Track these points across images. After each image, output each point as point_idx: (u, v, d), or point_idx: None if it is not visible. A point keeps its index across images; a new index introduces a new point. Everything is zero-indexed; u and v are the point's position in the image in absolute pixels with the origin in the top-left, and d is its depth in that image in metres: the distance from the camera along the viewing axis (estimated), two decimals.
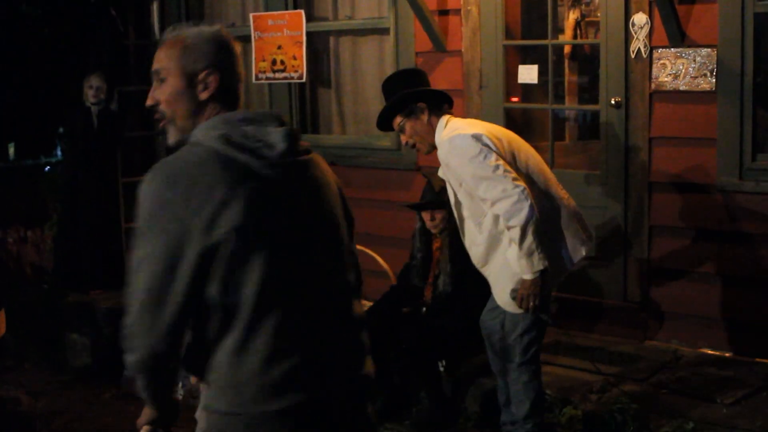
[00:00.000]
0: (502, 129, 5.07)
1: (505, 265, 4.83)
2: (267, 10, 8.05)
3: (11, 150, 14.86)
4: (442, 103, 4.99)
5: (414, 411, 5.86)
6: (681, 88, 6.06)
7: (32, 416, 6.78)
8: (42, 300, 8.38)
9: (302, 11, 7.72)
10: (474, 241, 4.95)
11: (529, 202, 4.59)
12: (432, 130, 4.91)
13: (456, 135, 4.75)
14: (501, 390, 5.26)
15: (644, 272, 6.35)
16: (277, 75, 7.77)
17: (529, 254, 4.62)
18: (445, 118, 4.93)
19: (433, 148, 4.95)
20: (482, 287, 5.51)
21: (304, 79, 7.77)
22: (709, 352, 6.15)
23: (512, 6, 6.95)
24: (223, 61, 2.87)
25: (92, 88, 8.18)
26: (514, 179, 4.63)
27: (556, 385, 5.66)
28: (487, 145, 4.69)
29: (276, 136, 2.78)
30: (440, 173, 5.00)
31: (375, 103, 7.80)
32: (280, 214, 2.75)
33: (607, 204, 6.40)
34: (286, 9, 7.86)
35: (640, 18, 6.14)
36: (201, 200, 2.63)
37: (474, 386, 5.89)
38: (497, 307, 5.08)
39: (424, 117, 4.90)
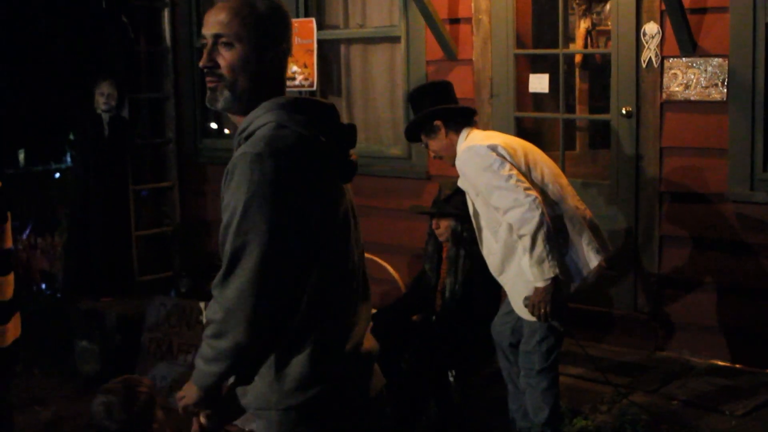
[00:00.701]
0: (519, 140, 5.15)
1: (520, 274, 4.89)
2: None
3: (21, 156, 14.91)
4: (460, 118, 5.12)
5: (423, 420, 5.85)
6: (692, 98, 6.04)
7: (41, 423, 6.77)
8: (51, 307, 8.38)
9: (313, 19, 7.73)
10: (490, 250, 5.04)
11: (540, 210, 4.67)
12: (451, 144, 5.07)
13: (471, 146, 4.90)
14: (513, 397, 5.30)
15: (654, 282, 6.33)
16: (288, 83, 7.77)
17: (540, 262, 4.70)
18: (466, 131, 5.08)
19: (454, 161, 5.06)
20: (490, 296, 5.55)
21: (314, 87, 7.77)
22: (720, 363, 6.12)
23: (523, 15, 6.94)
24: (286, 33, 2.90)
25: (103, 95, 8.19)
26: (526, 189, 4.72)
27: (567, 396, 5.64)
28: (501, 156, 4.80)
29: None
30: (459, 183, 5.11)
31: (386, 111, 7.81)
32: (342, 207, 2.84)
33: (618, 214, 6.38)
34: (297, 17, 7.86)
35: (651, 27, 6.13)
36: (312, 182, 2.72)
37: (484, 395, 5.87)
38: (510, 312, 5.18)
39: (442, 134, 5.08)
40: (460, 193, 5.82)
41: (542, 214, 4.67)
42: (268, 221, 2.63)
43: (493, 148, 4.82)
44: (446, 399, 5.80)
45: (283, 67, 2.91)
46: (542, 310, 4.77)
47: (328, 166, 2.80)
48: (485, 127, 6.89)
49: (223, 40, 2.85)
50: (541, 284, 4.74)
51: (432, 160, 7.22)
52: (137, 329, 7.52)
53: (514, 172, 4.76)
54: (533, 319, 4.89)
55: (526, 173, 4.85)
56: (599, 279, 6.31)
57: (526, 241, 4.69)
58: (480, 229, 5.08)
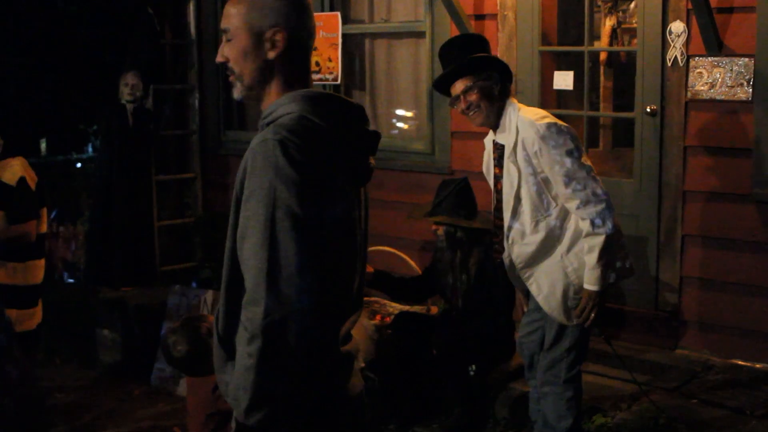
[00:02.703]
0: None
1: (553, 272, 4.71)
2: None
3: (43, 146, 15.00)
4: (509, 82, 4.81)
5: (443, 415, 5.87)
6: (717, 98, 6.03)
7: (61, 410, 6.82)
8: (73, 296, 8.43)
9: (338, 13, 7.74)
10: (523, 239, 4.75)
11: (613, 212, 4.49)
12: (497, 104, 4.72)
13: (553, 123, 4.58)
14: (534, 398, 5.21)
15: (676, 281, 6.33)
16: (312, 76, 7.78)
17: (606, 266, 4.52)
18: (513, 99, 4.77)
19: (488, 123, 4.79)
20: (508, 290, 5.50)
21: (338, 81, 7.79)
22: (741, 363, 6.11)
23: (549, 12, 6.94)
24: (291, 17, 2.83)
25: (128, 86, 8.23)
26: (602, 185, 4.53)
27: (587, 393, 5.62)
28: (579, 144, 4.58)
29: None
30: (507, 156, 4.72)
31: (409, 106, 7.83)
32: (354, 212, 2.83)
33: (641, 212, 6.38)
34: (323, 11, 7.88)
35: (677, 26, 6.11)
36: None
37: (504, 391, 5.89)
38: (533, 321, 5.05)
39: (496, 88, 4.71)
40: (457, 196, 5.84)
41: (613, 216, 4.49)
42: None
43: (574, 134, 4.56)
44: (466, 394, 5.82)
45: (299, 56, 2.88)
46: (591, 315, 4.60)
47: (346, 166, 2.78)
48: None
49: (227, 35, 2.86)
50: (596, 288, 4.55)
51: (455, 155, 7.25)
52: (158, 319, 7.56)
53: (591, 164, 4.53)
54: (567, 321, 4.73)
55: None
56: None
57: (598, 241, 4.47)
58: (516, 214, 4.74)
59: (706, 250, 6.22)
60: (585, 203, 4.49)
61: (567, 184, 4.50)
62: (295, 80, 2.86)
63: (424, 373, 5.94)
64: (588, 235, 4.51)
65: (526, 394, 5.46)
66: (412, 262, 7.03)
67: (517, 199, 4.71)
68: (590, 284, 4.57)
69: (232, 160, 8.91)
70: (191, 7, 9.00)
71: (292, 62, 2.85)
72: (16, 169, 5.73)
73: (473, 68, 4.72)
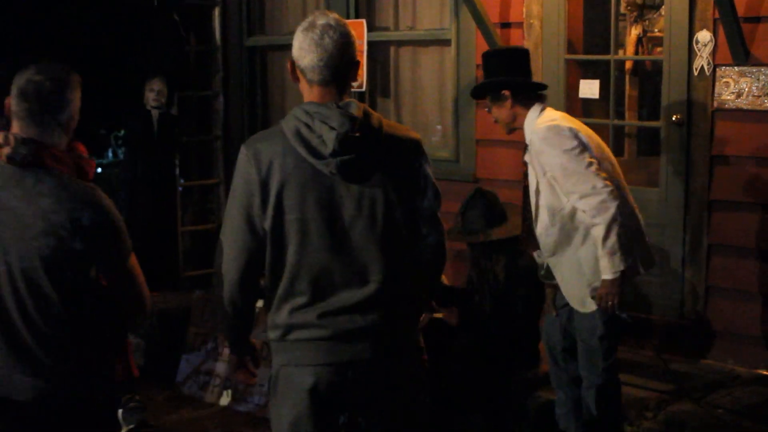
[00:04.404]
0: (591, 131, 5.09)
1: (575, 264, 4.92)
2: None
3: None
4: (530, 92, 5.08)
5: (465, 424, 5.87)
6: (744, 107, 6.02)
7: None
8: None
9: (364, 20, 7.76)
10: (546, 231, 5.00)
11: (616, 203, 4.69)
12: (513, 115, 5.01)
13: (554, 125, 4.86)
14: (560, 402, 5.28)
15: (702, 290, 6.32)
16: None
17: (612, 253, 4.69)
18: (538, 106, 5.00)
19: (512, 131, 5.13)
20: (530, 301, 5.58)
21: (363, 89, 7.81)
22: (766, 373, 6.09)
23: (575, 21, 6.94)
24: (295, 48, 3.46)
25: (153, 92, 8.28)
26: (605, 178, 4.74)
27: None
28: (582, 142, 4.81)
29: (330, 135, 3.30)
30: (526, 158, 5.06)
31: (434, 113, 7.84)
32: (318, 194, 3.35)
33: (667, 221, 6.37)
34: (348, 18, 7.90)
35: (704, 35, 6.11)
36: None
37: (528, 399, 5.88)
38: (557, 313, 5.18)
39: (508, 104, 5.00)
40: (472, 208, 5.96)
41: (618, 206, 4.68)
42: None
43: (575, 133, 4.82)
44: (490, 401, 5.82)
45: (302, 76, 3.52)
46: (610, 303, 4.75)
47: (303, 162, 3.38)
48: None
49: None
50: (609, 276, 4.72)
51: (480, 163, 7.26)
52: (182, 324, 7.58)
53: (594, 160, 4.77)
54: (588, 309, 4.90)
55: (598, 164, 4.84)
56: (645, 285, 6.35)
57: (600, 230, 4.69)
58: (538, 208, 5.04)
59: (732, 259, 6.21)
60: (585, 195, 4.72)
61: (566, 179, 4.77)
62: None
63: (445, 380, 5.93)
64: (592, 225, 4.76)
65: (552, 402, 5.46)
66: None
67: (537, 194, 5.03)
68: (604, 273, 4.76)
69: None
70: (216, 13, 9.03)
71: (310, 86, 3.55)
72: None
73: (485, 90, 5.15)
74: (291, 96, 8.85)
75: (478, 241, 5.95)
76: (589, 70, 7.03)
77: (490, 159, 7.25)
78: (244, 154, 3.42)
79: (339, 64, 3.42)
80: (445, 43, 7.54)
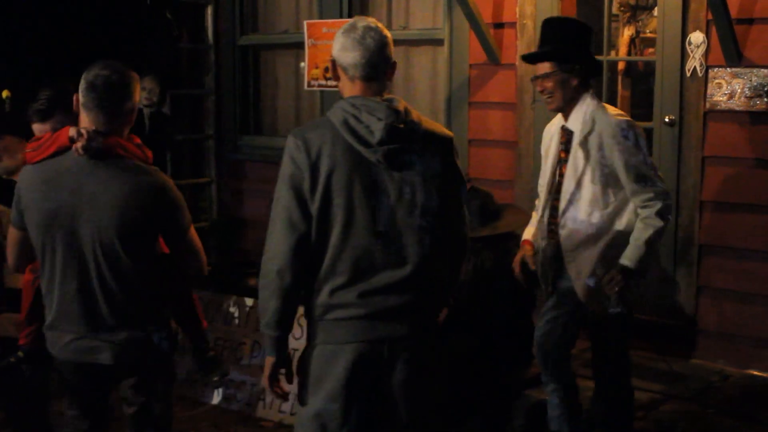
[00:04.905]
0: None
1: (593, 261, 4.78)
2: (321, 17, 8.10)
3: None
4: (590, 77, 4.93)
5: (458, 425, 5.86)
6: (736, 108, 6.05)
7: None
8: None
9: None
10: (574, 224, 4.82)
11: (671, 213, 4.69)
12: (572, 94, 4.81)
13: (630, 122, 4.74)
14: (554, 406, 5.20)
15: (693, 291, 6.34)
16: (329, 83, 7.80)
17: (646, 252, 4.61)
18: (591, 93, 4.86)
19: (560, 110, 4.88)
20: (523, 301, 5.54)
21: None
22: (757, 373, 6.12)
23: None
24: (336, 48, 3.73)
25: (145, 90, 8.24)
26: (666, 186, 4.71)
27: None
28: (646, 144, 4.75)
29: (378, 126, 3.53)
30: (577, 143, 4.80)
31: (426, 113, 7.76)
32: (364, 180, 3.55)
33: None
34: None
35: (696, 37, 6.13)
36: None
37: (520, 399, 5.88)
38: (551, 319, 5.08)
39: (575, 81, 4.79)
40: (475, 198, 5.88)
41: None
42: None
43: (643, 136, 4.75)
44: (486, 402, 5.82)
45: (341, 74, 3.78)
46: (616, 289, 4.65)
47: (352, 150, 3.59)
48: (527, 133, 6.94)
49: None
50: (631, 265, 4.61)
51: (471, 162, 7.26)
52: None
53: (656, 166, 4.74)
54: (585, 301, 4.83)
55: None
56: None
57: (658, 223, 4.59)
58: (570, 202, 4.82)
59: (723, 260, 6.24)
60: (654, 199, 4.61)
61: (637, 181, 4.63)
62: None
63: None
64: (649, 217, 4.61)
65: (543, 402, 5.45)
66: None
67: (578, 185, 4.80)
68: (628, 259, 4.64)
69: (247, 164, 8.94)
70: (209, 11, 9.02)
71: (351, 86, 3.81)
72: None
73: (559, 56, 4.81)
74: (283, 95, 8.86)
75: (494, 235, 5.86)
76: None
77: (482, 159, 7.26)
78: (293, 142, 3.60)
79: (379, 62, 3.69)
80: (438, 42, 7.55)
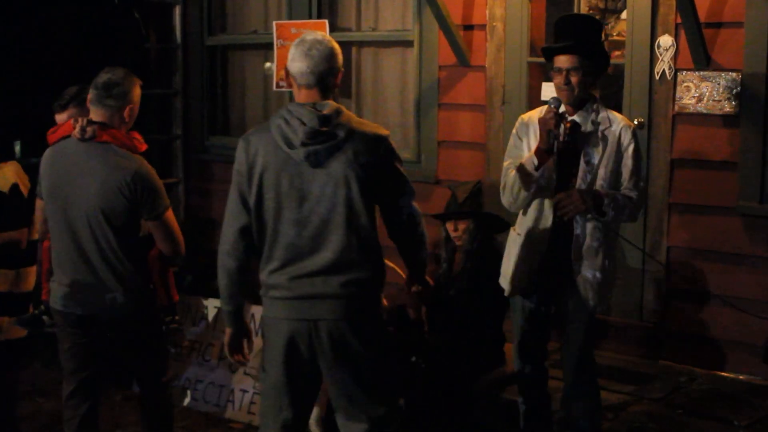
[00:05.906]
0: None
1: (601, 266, 4.91)
2: (290, 18, 8.09)
3: (17, 148, 14.87)
4: (602, 73, 5.07)
5: (430, 426, 5.85)
6: (704, 111, 6.10)
7: (44, 414, 6.78)
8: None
9: (326, 21, 7.72)
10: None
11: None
12: (585, 89, 4.90)
13: (634, 127, 4.97)
14: (529, 406, 5.22)
15: (661, 293, 6.38)
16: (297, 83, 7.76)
17: (616, 204, 4.77)
18: (597, 90, 5.03)
19: (572, 101, 4.90)
20: (498, 303, 5.52)
21: None
22: (724, 374, 6.17)
23: (537, 23, 6.99)
24: (289, 59, 4.15)
25: None
26: None
27: None
28: None
29: (301, 129, 3.99)
30: (592, 146, 4.89)
31: (396, 114, 7.83)
32: (290, 177, 4.05)
33: (626, 223, 6.40)
34: (310, 18, 7.90)
35: (665, 40, 6.18)
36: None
37: (489, 399, 5.88)
38: (538, 318, 5.12)
39: (592, 76, 4.91)
40: (476, 196, 5.85)
41: None
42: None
43: None
44: (455, 404, 5.82)
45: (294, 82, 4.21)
46: (569, 210, 4.74)
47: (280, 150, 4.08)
48: (496, 134, 6.95)
49: None
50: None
51: (441, 164, 7.26)
52: None
53: None
54: (589, 298, 4.90)
55: None
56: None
57: (629, 202, 4.80)
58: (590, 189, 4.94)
59: (691, 262, 6.28)
60: (636, 198, 4.86)
61: (630, 178, 4.85)
62: None
63: (411, 379, 5.91)
64: (632, 200, 4.84)
65: (515, 403, 5.46)
66: (398, 270, 7.00)
67: (594, 175, 4.87)
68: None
69: (215, 165, 8.91)
70: (177, 11, 8.97)
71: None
72: (8, 176, 5.65)
73: (583, 51, 4.87)
74: (251, 95, 8.82)
75: (451, 210, 5.83)
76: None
77: (451, 160, 7.27)
78: (239, 144, 4.18)
79: (323, 72, 4.09)
80: (408, 44, 7.55)
